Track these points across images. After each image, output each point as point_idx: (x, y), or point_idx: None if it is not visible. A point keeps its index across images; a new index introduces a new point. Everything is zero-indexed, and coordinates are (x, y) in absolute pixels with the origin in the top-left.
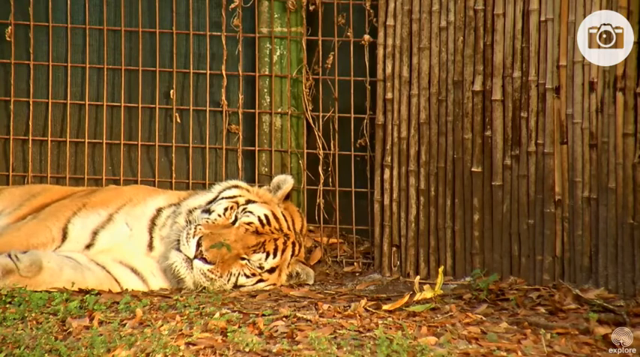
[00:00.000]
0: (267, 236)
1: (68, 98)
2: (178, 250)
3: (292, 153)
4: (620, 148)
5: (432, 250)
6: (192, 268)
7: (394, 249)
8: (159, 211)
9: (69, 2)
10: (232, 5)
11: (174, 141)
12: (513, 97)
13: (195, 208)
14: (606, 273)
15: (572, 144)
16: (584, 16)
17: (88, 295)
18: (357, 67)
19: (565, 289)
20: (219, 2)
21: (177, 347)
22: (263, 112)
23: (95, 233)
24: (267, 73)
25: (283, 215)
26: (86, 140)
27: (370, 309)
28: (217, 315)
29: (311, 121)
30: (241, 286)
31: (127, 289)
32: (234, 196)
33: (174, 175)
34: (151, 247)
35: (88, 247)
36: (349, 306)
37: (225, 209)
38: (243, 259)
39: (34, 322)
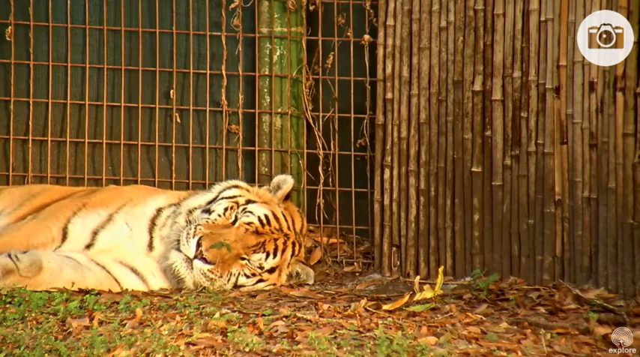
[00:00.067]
0: (267, 236)
1: (68, 98)
2: (178, 250)
3: (292, 153)
4: (620, 148)
5: (432, 250)
6: (192, 268)
7: (394, 249)
8: (159, 211)
9: (69, 2)
10: (232, 5)
11: (174, 141)
12: (513, 97)
13: (195, 208)
14: (606, 273)
15: (572, 144)
16: (584, 16)
17: (88, 295)
18: (357, 67)
19: (565, 289)
20: (219, 2)
21: (177, 347)
22: (263, 112)
23: (95, 233)
24: (267, 73)
25: (283, 215)
26: (86, 140)
27: (370, 309)
28: (217, 315)
29: (311, 121)
30: (241, 286)
31: (127, 289)
32: (234, 196)
33: (174, 175)
34: (151, 247)
35: (88, 247)
36: (349, 306)
37: (225, 209)
38: (243, 259)
39: (34, 322)
